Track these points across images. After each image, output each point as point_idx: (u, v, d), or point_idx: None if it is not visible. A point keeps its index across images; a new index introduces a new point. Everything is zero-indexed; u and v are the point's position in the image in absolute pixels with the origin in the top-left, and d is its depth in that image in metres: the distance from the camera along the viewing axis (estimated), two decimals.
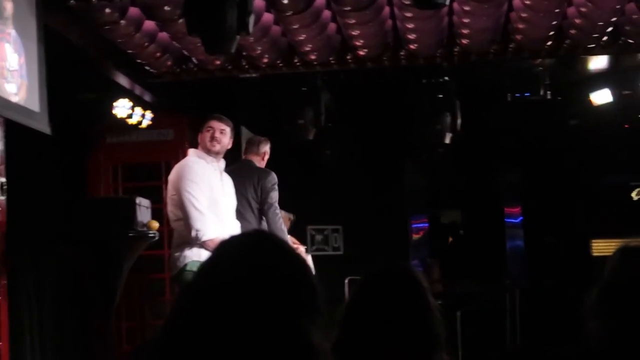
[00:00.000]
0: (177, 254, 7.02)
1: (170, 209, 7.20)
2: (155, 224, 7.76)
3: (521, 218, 13.34)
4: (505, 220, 13.40)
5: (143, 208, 7.68)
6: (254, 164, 8.40)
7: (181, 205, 7.00)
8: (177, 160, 7.47)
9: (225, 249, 2.09)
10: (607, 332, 2.66)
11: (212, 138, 7.31)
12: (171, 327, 1.97)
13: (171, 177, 7.27)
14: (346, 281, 9.50)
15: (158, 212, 8.38)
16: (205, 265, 2.06)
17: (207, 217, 7.00)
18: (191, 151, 7.45)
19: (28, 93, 6.61)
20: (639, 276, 2.74)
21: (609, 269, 2.84)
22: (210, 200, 7.11)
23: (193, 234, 6.90)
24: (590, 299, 2.74)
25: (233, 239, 2.14)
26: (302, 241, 9.44)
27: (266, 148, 8.49)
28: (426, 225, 13.75)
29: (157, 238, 7.85)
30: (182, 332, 1.92)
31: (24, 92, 6.57)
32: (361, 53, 8.67)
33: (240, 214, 7.72)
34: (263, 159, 8.49)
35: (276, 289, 1.95)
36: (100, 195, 9.59)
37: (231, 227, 7.22)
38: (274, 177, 8.20)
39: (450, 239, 14.05)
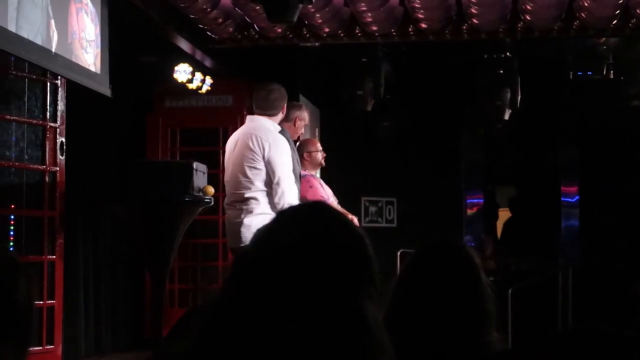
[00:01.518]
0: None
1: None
2: (211, 189, 7.80)
3: (577, 197, 13.24)
4: (562, 198, 13.30)
5: (200, 173, 7.71)
6: None
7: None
8: (236, 126, 7.46)
9: (284, 218, 2.10)
10: None
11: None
12: (226, 292, 1.98)
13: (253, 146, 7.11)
14: (398, 254, 9.49)
15: (214, 177, 8.43)
16: (262, 233, 2.07)
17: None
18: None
19: (102, 62, 6.71)
20: None
21: None
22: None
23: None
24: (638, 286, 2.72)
25: (292, 208, 2.15)
26: (356, 212, 9.43)
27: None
28: (481, 201, 13.67)
29: (212, 203, 7.89)
30: (236, 298, 1.93)
31: (99, 62, 6.67)
32: (423, 25, 8.63)
33: None
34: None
35: (332, 260, 1.93)
36: (158, 159, 9.66)
37: None
38: None
39: (509, 215, 13.99)
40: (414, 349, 2.79)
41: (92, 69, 6.54)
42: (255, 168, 6.95)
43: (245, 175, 6.98)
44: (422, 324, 2.83)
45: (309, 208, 2.15)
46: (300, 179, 7.83)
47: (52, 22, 5.96)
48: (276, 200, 6.89)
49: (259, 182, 6.93)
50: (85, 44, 6.42)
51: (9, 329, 2.19)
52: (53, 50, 5.98)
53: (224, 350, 1.88)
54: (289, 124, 7.66)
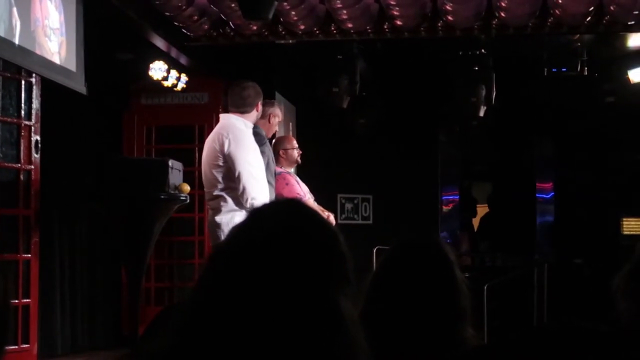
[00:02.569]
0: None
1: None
2: (187, 187, 7.80)
3: (552, 194, 13.31)
4: (537, 195, 13.36)
5: (175, 171, 7.71)
6: None
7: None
8: (211, 124, 7.49)
9: (258, 215, 2.09)
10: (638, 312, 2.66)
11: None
12: (201, 289, 1.99)
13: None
14: (374, 251, 9.51)
15: (190, 175, 8.43)
16: (236, 230, 2.07)
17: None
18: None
19: (67, 52, 6.67)
20: None
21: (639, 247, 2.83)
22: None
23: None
24: (619, 278, 2.73)
25: (266, 205, 2.15)
26: (332, 209, 9.44)
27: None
28: (457, 197, 13.72)
29: (187, 201, 7.89)
30: (210, 295, 1.94)
31: (64, 51, 6.63)
32: (398, 23, 8.65)
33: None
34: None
35: (307, 256, 1.95)
36: (133, 156, 9.65)
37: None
38: None
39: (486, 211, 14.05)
40: (389, 346, 2.80)
41: (57, 58, 6.49)
42: (218, 166, 6.95)
43: (212, 174, 7.00)
44: (397, 320, 2.84)
45: (283, 205, 2.16)
46: (276, 177, 7.84)
47: (15, 10, 5.91)
48: (240, 196, 6.89)
49: (224, 180, 6.93)
50: (49, 32, 6.37)
51: None
52: (17, 40, 5.93)
53: (201, 348, 1.88)
54: (263, 120, 7.67)
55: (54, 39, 6.45)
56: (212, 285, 1.95)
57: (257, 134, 7.30)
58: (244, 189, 6.82)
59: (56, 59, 6.44)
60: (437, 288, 2.86)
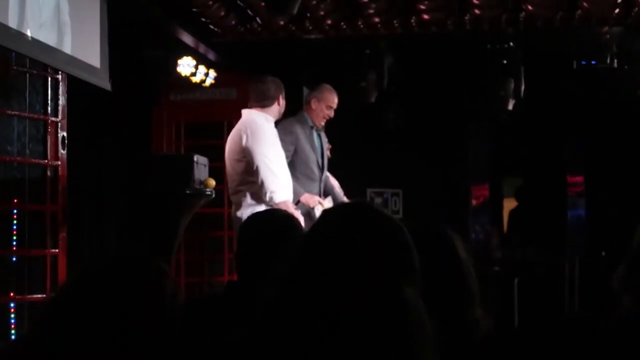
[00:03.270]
0: None
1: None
2: (212, 182, 7.83)
3: (583, 187, 13.22)
4: (568, 188, 13.28)
5: (201, 166, 7.75)
6: None
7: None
8: (239, 119, 7.49)
9: (329, 215, 2.26)
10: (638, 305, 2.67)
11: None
12: (287, 283, 2.08)
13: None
14: None
15: (219, 170, 8.46)
16: (312, 229, 2.19)
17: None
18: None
19: (91, 48, 6.71)
20: None
21: (637, 239, 2.84)
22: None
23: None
24: (620, 272, 2.74)
25: (336, 206, 2.39)
26: None
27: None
28: (487, 191, 13.66)
29: (213, 196, 7.92)
30: (295, 291, 2.03)
31: (86, 47, 6.67)
32: (425, 17, 8.64)
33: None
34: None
35: (375, 249, 2.08)
36: (159, 152, 9.70)
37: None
38: None
39: (515, 205, 13.99)
40: None
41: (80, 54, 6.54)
42: (238, 160, 6.99)
43: (233, 169, 7.04)
44: None
45: (351, 205, 2.31)
46: None
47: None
48: (259, 190, 6.90)
49: (244, 174, 6.96)
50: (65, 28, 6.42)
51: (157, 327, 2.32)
52: (42, 38, 6.00)
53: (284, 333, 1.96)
54: (307, 107, 7.77)
55: (68, 32, 6.48)
56: (288, 281, 2.04)
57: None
58: (262, 182, 6.84)
59: (78, 55, 6.49)
60: (443, 271, 2.88)
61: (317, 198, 7.48)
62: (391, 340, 1.99)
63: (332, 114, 8.02)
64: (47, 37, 6.11)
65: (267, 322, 2.05)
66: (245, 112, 7.30)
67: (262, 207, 6.75)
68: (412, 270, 2.13)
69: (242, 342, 2.07)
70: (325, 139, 8.26)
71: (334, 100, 7.96)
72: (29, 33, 5.83)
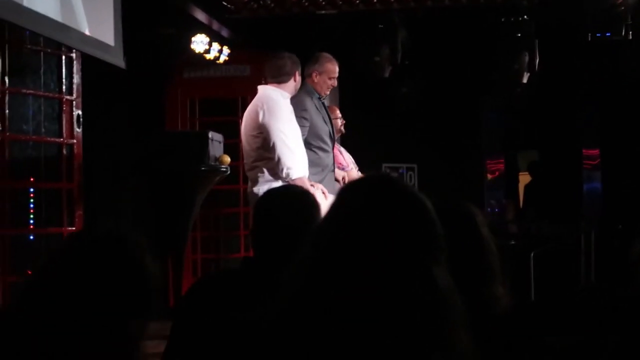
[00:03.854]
0: None
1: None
2: (227, 159, 7.83)
3: (599, 160, 13.17)
4: (583, 161, 13.24)
5: (216, 142, 7.75)
6: None
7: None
8: (254, 96, 7.47)
9: (347, 192, 2.17)
10: None
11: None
12: (303, 265, 2.05)
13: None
14: None
15: (234, 147, 8.46)
16: (332, 207, 2.13)
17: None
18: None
19: (105, 26, 6.71)
20: None
21: None
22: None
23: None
24: (637, 245, 2.74)
25: (354, 182, 2.23)
26: None
27: None
28: (502, 165, 13.64)
29: (228, 172, 7.92)
30: (313, 270, 2.00)
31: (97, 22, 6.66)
32: None
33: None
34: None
35: (397, 227, 2.01)
36: (174, 129, 9.72)
37: None
38: None
39: (529, 179, 13.96)
40: None
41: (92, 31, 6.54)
42: (254, 137, 6.98)
43: (249, 145, 7.03)
44: None
45: (370, 180, 2.20)
46: None
47: None
48: (275, 166, 6.90)
49: (260, 150, 6.95)
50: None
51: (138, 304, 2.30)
52: (56, 16, 6.00)
53: (308, 317, 1.95)
54: (309, 79, 7.68)
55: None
56: (314, 261, 2.01)
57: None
58: (279, 159, 6.84)
59: (92, 33, 6.49)
60: (465, 248, 2.87)
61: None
62: (424, 324, 1.94)
63: (335, 83, 7.93)
64: (61, 15, 6.11)
65: (294, 306, 2.02)
66: (261, 88, 7.28)
67: (278, 183, 6.74)
68: (440, 249, 2.06)
69: (265, 322, 2.04)
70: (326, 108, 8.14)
71: (335, 70, 7.87)
72: (42, 11, 5.83)
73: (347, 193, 2.15)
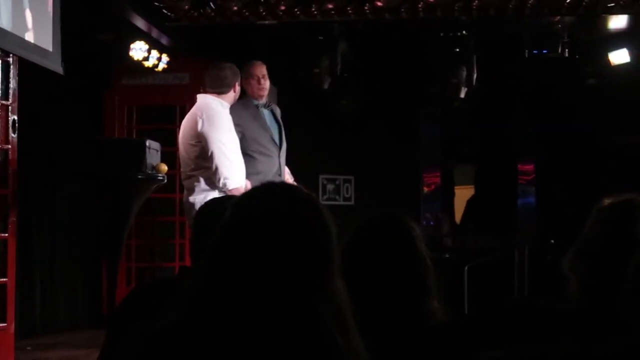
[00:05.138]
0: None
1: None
2: (164, 167, 7.82)
3: (534, 175, 13.31)
4: (518, 176, 13.37)
5: (153, 151, 7.73)
6: None
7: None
8: (192, 104, 7.45)
9: (245, 197, 2.18)
10: (584, 290, 2.71)
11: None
12: (201, 271, 2.04)
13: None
14: None
15: (171, 155, 8.43)
16: (232, 209, 2.12)
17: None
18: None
19: (43, 31, 6.65)
20: (608, 233, 2.79)
21: (586, 226, 2.89)
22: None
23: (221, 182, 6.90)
24: (569, 256, 2.79)
25: (254, 188, 2.22)
26: (314, 190, 9.42)
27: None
28: (438, 179, 13.72)
29: (165, 181, 7.90)
30: (209, 275, 2.00)
31: (38, 29, 6.59)
32: (379, 4, 8.66)
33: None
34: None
35: (293, 235, 2.00)
36: (112, 136, 9.66)
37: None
38: None
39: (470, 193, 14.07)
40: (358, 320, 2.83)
41: (28, 36, 6.47)
42: (192, 145, 6.97)
43: (187, 154, 7.02)
44: (363, 294, 2.87)
45: (266, 187, 2.20)
46: None
47: None
48: (213, 176, 6.89)
49: (198, 159, 6.95)
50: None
51: None
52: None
53: (203, 326, 1.94)
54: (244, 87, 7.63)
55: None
56: (206, 269, 2.00)
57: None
58: (216, 168, 6.84)
59: (27, 36, 6.42)
60: (400, 262, 2.89)
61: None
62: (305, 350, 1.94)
63: (266, 83, 7.86)
64: None
65: (189, 313, 2.01)
66: (200, 97, 7.26)
67: (215, 193, 6.74)
68: (331, 261, 2.04)
69: (165, 330, 2.03)
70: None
71: (260, 70, 7.83)
72: None
73: (240, 202, 2.14)
